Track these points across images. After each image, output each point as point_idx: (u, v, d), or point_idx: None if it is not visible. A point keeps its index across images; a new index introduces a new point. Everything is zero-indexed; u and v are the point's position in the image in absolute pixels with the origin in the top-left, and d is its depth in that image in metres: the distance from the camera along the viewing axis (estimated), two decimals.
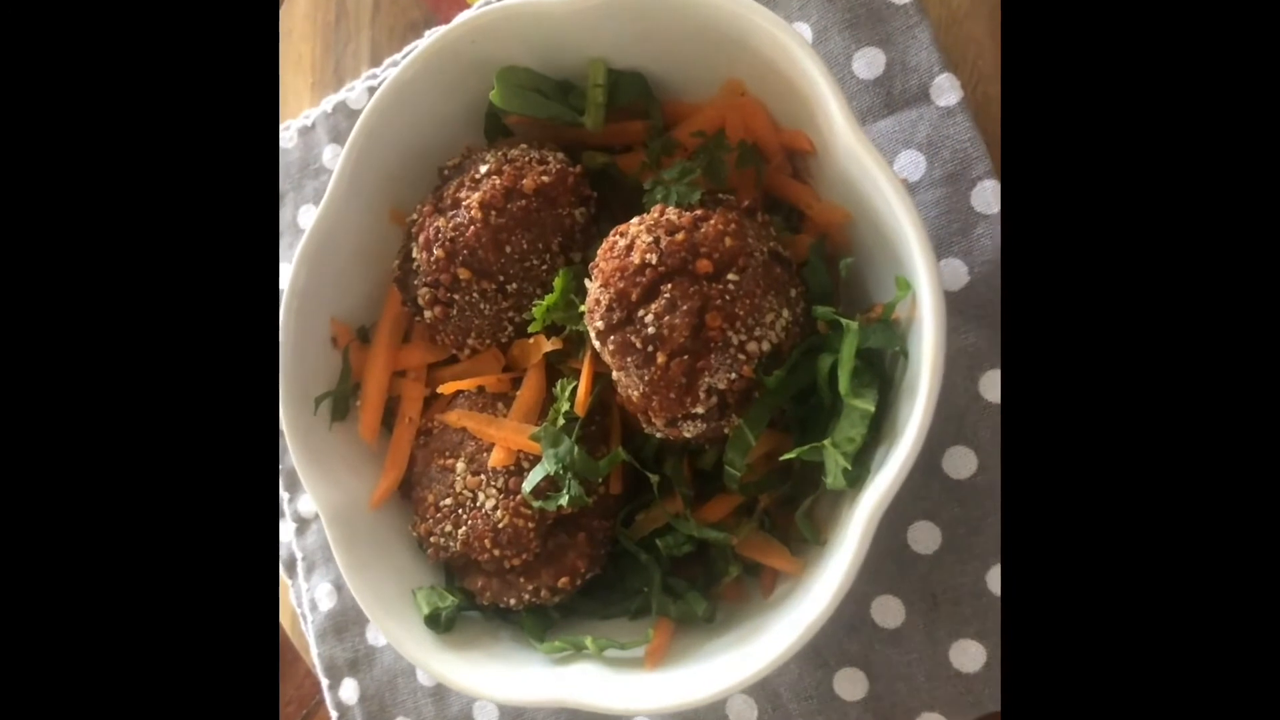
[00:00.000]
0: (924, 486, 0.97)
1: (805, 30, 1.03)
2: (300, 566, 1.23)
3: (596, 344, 0.88)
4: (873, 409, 0.83)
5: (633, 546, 0.96)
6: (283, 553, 1.25)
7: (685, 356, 0.85)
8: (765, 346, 0.86)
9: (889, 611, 0.98)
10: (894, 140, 0.99)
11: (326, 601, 1.20)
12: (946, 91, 0.98)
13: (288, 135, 1.27)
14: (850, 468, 0.83)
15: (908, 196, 0.81)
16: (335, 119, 1.24)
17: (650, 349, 0.85)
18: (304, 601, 1.23)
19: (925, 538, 0.97)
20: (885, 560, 0.98)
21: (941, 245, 0.97)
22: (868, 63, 1.01)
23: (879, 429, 0.86)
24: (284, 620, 1.27)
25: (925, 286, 0.80)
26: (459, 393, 1.01)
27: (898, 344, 0.85)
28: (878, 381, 0.85)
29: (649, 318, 0.85)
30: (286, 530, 1.24)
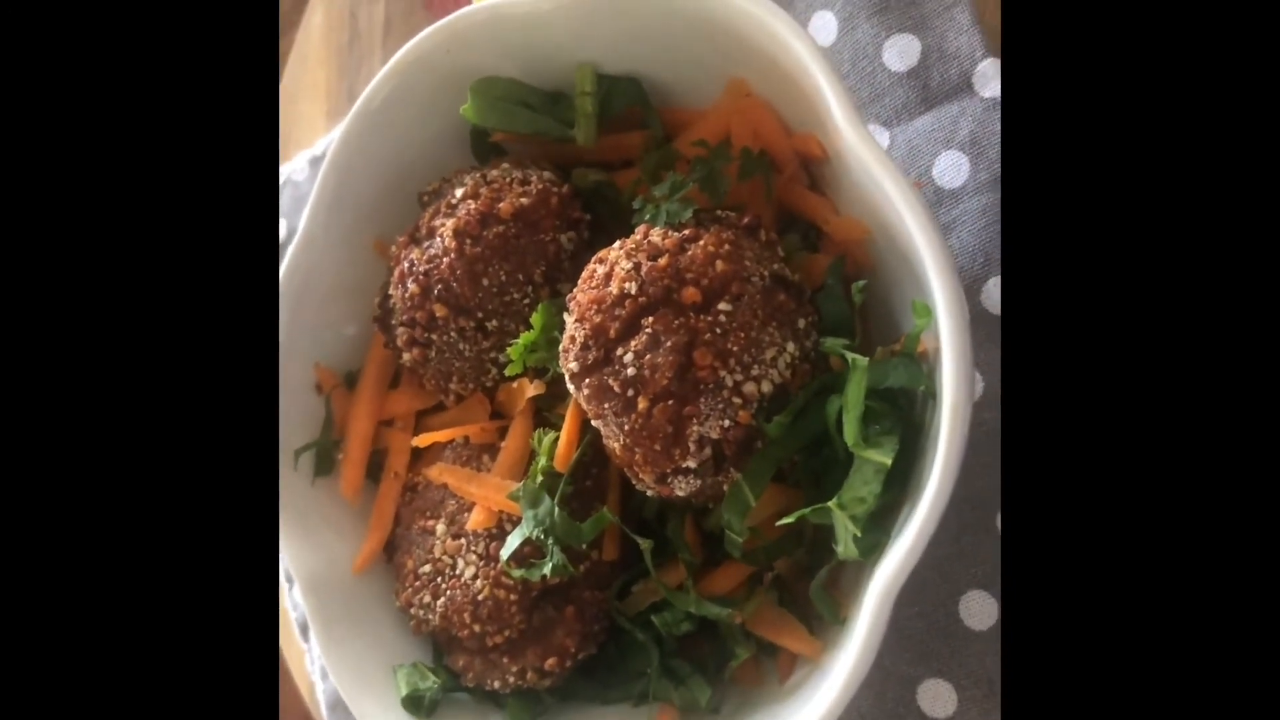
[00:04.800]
0: (977, 549, 0.82)
1: (830, 19, 0.90)
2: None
3: (571, 388, 0.76)
4: (888, 461, 0.69)
5: (628, 624, 0.83)
6: (297, 615, 1.17)
7: (670, 401, 0.72)
8: (766, 387, 0.73)
9: (939, 699, 0.83)
10: (933, 140, 0.85)
11: None
12: (992, 80, 0.83)
13: (298, 167, 1.19)
14: (861, 534, 0.69)
15: (922, 209, 0.68)
16: None
17: (630, 393, 0.73)
18: (316, 669, 1.14)
19: (981, 610, 0.82)
20: (933, 638, 0.83)
21: (990, 262, 0.82)
22: (900, 52, 0.87)
23: (905, 484, 0.72)
24: (301, 687, 1.18)
25: (944, 312, 0.66)
26: (446, 444, 0.90)
27: (923, 381, 0.71)
28: (900, 428, 0.71)
29: (628, 357, 0.73)
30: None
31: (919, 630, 0.83)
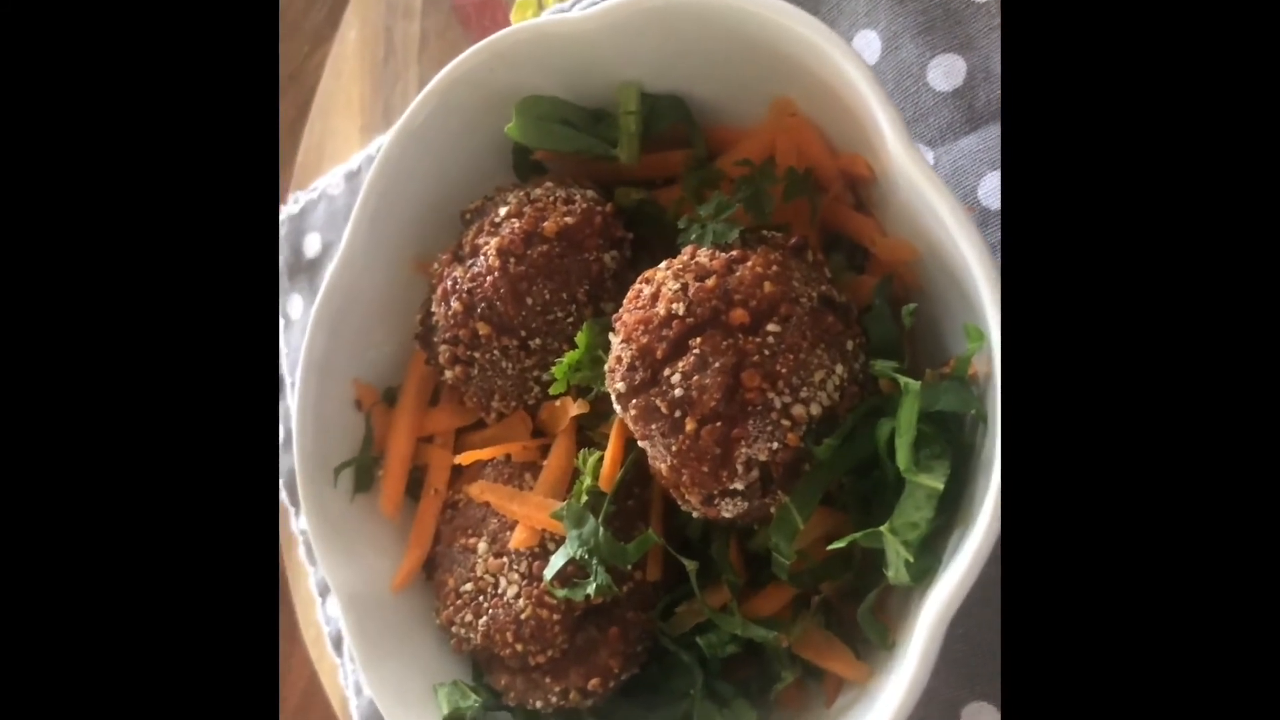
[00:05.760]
0: None
1: (873, 38, 0.90)
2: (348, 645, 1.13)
3: (618, 408, 0.76)
4: (941, 486, 0.68)
5: (672, 644, 0.83)
6: (330, 629, 1.17)
7: (718, 423, 0.72)
8: (815, 410, 0.72)
9: None
10: (978, 161, 0.85)
11: None
12: None
13: (332, 181, 1.19)
14: (913, 560, 0.68)
15: (975, 230, 0.67)
16: None
17: (678, 414, 0.72)
18: (350, 684, 1.14)
19: None
20: (978, 660, 0.83)
21: None
22: (945, 72, 0.86)
23: (955, 508, 0.72)
24: (334, 701, 1.18)
25: (998, 338, 0.65)
26: (486, 462, 0.90)
27: (974, 405, 0.71)
28: (950, 451, 0.70)
29: (676, 377, 0.72)
30: (336, 606, 1.15)
31: (963, 652, 0.83)
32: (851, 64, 0.73)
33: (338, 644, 1.16)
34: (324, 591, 1.18)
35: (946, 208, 0.68)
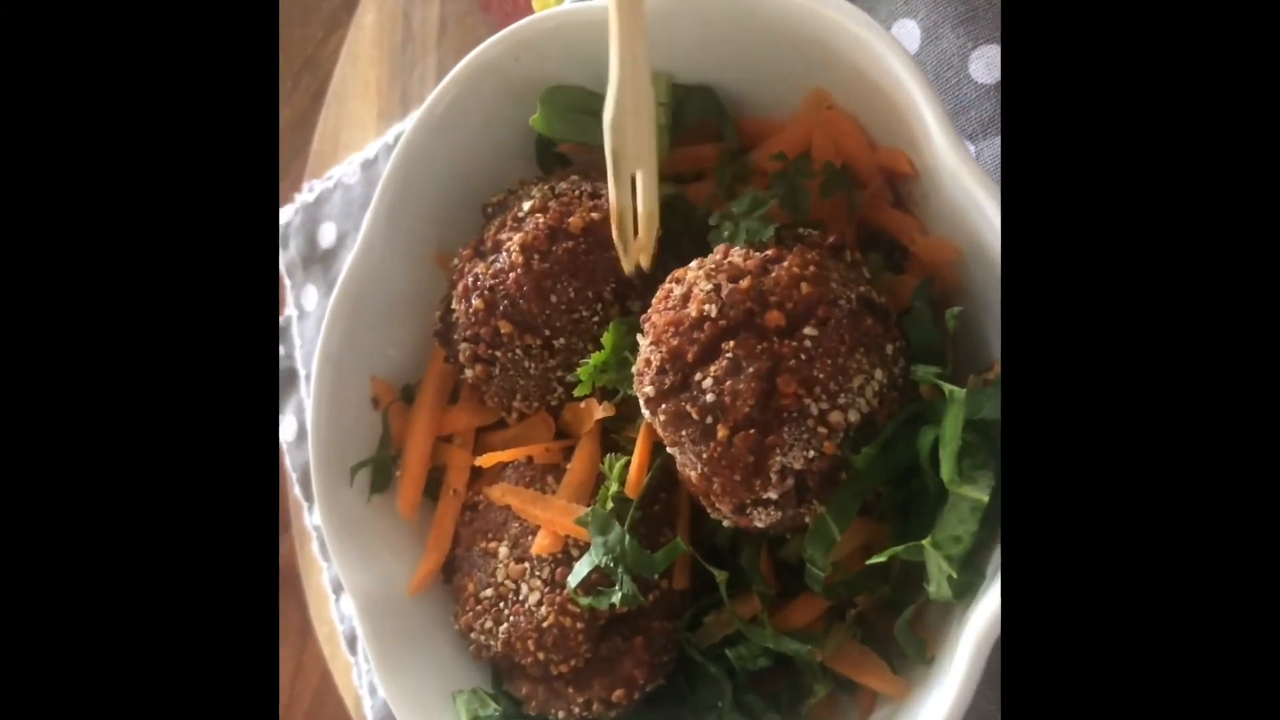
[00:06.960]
0: None
1: (913, 28, 0.86)
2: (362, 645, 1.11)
3: (646, 413, 0.73)
4: (985, 499, 0.66)
5: (699, 655, 0.80)
6: (344, 628, 1.15)
7: (752, 430, 0.69)
8: (853, 417, 0.70)
9: None
10: None
11: None
12: None
13: (350, 170, 1.17)
14: (956, 575, 0.66)
15: None
16: None
17: (709, 420, 0.70)
18: (364, 683, 1.12)
19: None
20: None
21: None
22: (988, 63, 0.83)
23: (998, 522, 0.68)
24: (348, 700, 1.16)
25: None
26: (507, 463, 0.87)
27: None
28: (994, 462, 0.67)
29: (707, 382, 0.70)
30: (350, 605, 1.13)
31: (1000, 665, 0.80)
32: (894, 54, 0.70)
33: (351, 643, 1.14)
34: (337, 588, 1.16)
35: (994, 206, 0.65)
